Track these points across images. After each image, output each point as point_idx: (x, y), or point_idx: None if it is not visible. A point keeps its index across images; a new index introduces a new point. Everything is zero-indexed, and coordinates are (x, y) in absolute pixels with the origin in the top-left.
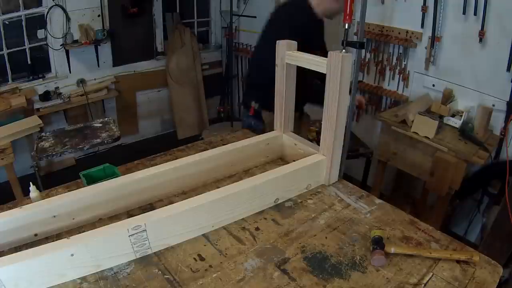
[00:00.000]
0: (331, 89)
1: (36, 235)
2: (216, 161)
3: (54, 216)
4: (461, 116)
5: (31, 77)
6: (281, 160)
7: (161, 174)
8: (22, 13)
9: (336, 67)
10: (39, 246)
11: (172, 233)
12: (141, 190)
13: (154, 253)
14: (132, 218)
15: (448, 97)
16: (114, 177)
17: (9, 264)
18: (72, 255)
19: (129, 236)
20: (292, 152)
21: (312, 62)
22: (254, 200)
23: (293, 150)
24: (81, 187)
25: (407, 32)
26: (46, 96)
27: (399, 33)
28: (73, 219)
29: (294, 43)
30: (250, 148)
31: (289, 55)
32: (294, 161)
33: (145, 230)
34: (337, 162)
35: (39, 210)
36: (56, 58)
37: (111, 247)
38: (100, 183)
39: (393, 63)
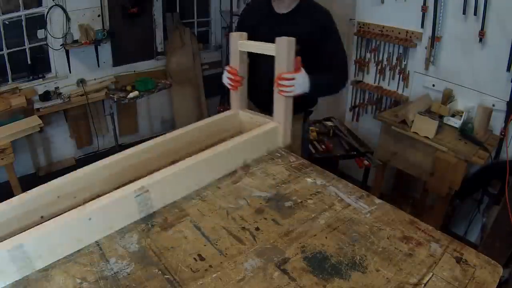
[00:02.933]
0: (280, 68)
1: (42, 217)
2: (183, 139)
3: (58, 197)
4: (461, 116)
5: (31, 77)
6: (241, 133)
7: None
8: (22, 13)
9: (283, 50)
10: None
11: (172, 191)
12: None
13: (154, 253)
14: (137, 181)
15: (448, 97)
16: None
17: (34, 235)
18: (90, 219)
19: (135, 197)
20: (251, 126)
21: (263, 47)
22: (228, 162)
23: (251, 124)
24: None
25: (407, 32)
26: (46, 96)
27: (399, 33)
28: (75, 197)
29: (245, 34)
30: (213, 126)
31: (240, 44)
32: None
33: (148, 190)
34: (288, 128)
35: (43, 191)
36: (56, 58)
37: (121, 209)
38: (96, 162)
39: (393, 63)
